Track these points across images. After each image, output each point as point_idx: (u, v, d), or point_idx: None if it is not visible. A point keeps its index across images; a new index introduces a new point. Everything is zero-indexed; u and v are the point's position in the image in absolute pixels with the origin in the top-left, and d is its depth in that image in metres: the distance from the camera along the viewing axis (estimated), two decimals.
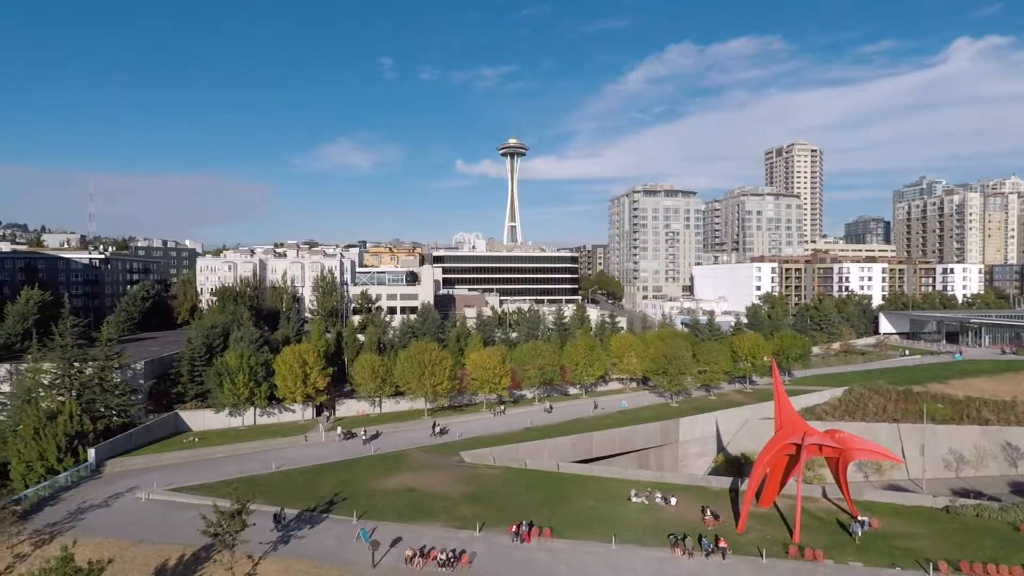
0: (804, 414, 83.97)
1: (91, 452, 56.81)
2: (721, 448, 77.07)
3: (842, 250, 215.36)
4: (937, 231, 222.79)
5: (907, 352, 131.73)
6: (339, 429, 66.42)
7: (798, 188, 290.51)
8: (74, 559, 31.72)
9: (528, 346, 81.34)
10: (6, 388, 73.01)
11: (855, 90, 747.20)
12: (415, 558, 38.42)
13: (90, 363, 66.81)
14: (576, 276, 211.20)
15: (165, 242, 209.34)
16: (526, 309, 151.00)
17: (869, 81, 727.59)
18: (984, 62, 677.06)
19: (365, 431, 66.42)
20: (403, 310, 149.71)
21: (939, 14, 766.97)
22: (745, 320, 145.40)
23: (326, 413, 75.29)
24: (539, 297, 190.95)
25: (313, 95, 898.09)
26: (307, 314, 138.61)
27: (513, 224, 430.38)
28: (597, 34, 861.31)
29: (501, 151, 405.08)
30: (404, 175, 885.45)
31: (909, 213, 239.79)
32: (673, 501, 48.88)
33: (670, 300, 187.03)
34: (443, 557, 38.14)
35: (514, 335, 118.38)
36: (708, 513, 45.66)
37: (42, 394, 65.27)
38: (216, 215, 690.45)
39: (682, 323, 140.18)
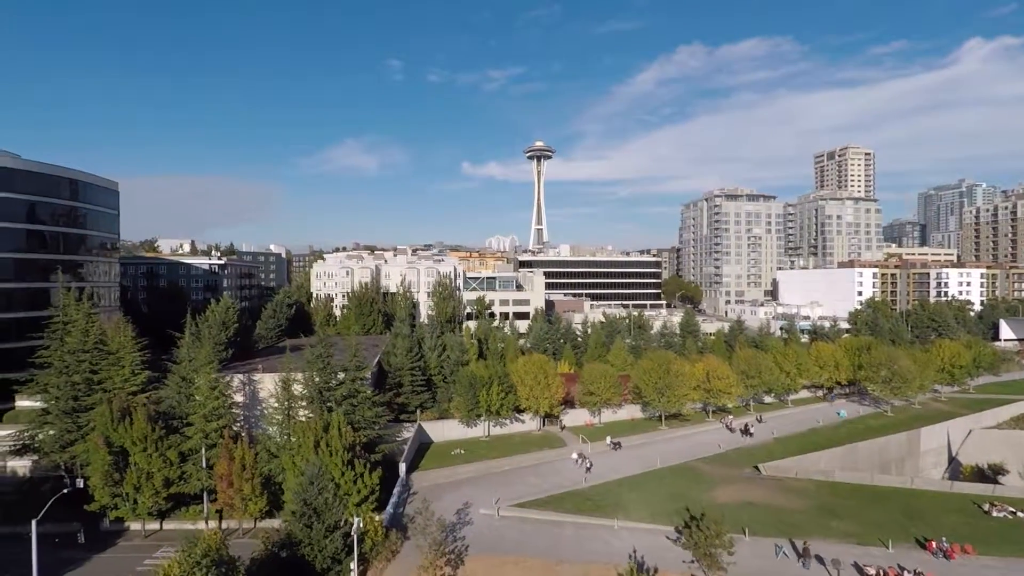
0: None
1: (401, 466, 56.09)
2: (952, 458, 76.74)
3: (934, 255, 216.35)
4: (1009, 235, 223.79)
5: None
6: (608, 439, 65.86)
7: (852, 191, 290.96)
8: None
9: (747, 353, 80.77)
10: (239, 398, 72.19)
11: (865, 91, 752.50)
12: None
13: (341, 373, 66.15)
14: (659, 280, 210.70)
15: (209, 243, 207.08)
16: (635, 314, 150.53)
17: (880, 82, 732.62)
18: (996, 63, 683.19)
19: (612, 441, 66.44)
20: (515, 315, 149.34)
21: (951, 15, 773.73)
22: (847, 325, 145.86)
23: (562, 422, 74.51)
24: (623, 302, 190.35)
25: (320, 98, 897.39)
26: (423, 319, 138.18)
27: (540, 227, 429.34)
28: (607, 35, 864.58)
29: (527, 154, 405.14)
30: (410, 177, 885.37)
31: (977, 217, 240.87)
32: None
33: (760, 305, 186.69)
34: None
35: (632, 342, 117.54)
36: None
37: (291, 405, 64.63)
38: (220, 217, 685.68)
39: (803, 330, 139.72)
